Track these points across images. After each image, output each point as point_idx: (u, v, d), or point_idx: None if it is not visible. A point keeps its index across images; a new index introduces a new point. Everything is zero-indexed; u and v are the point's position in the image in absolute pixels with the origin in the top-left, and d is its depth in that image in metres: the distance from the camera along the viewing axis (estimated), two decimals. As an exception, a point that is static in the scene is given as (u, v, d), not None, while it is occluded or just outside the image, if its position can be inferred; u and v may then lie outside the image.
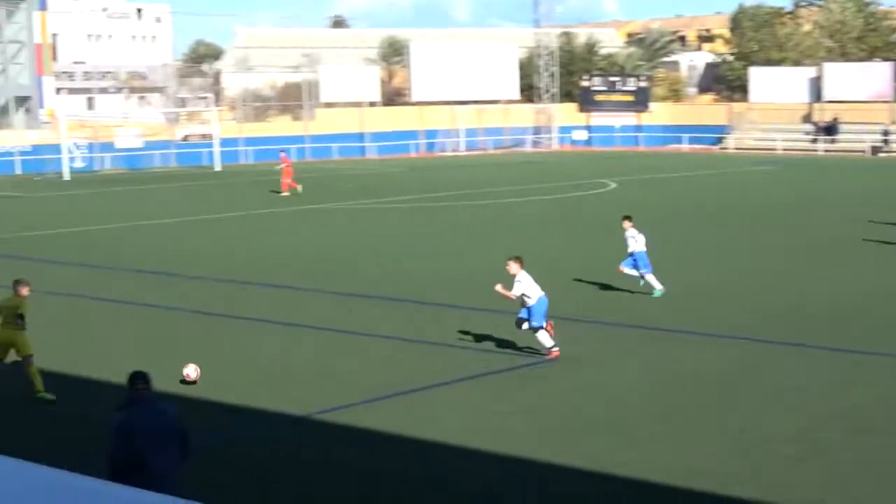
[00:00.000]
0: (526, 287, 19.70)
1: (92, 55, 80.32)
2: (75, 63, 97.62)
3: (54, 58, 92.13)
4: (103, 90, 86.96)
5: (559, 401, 17.41)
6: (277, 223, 41.19)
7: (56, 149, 66.58)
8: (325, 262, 31.38)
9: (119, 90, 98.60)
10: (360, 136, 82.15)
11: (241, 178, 62.67)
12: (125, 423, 10.72)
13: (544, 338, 19.73)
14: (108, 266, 31.20)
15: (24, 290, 18.03)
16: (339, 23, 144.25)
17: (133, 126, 76.22)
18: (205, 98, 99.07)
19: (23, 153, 68.94)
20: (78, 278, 29.37)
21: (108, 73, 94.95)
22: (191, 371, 18.24)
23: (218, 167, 69.25)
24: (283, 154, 55.52)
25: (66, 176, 63.53)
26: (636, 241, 25.22)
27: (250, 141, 77.42)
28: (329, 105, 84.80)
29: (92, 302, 25.89)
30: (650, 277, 25.30)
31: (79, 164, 68.18)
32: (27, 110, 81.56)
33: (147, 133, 74.80)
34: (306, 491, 13.89)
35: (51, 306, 24.00)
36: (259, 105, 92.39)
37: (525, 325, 19.88)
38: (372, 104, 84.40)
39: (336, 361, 20.10)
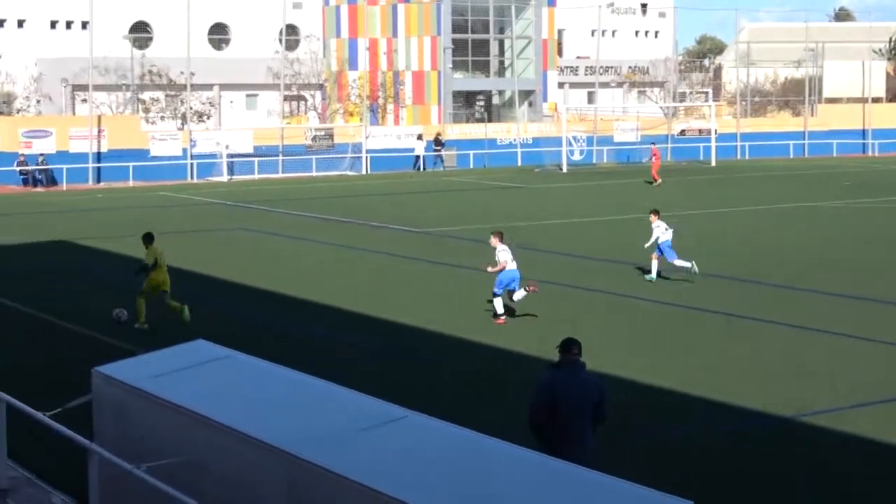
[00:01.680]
0: (501, 256, 22.70)
1: (595, 50, 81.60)
2: (578, 58, 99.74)
3: (559, 53, 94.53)
4: (604, 84, 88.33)
5: None
6: (767, 220, 40.44)
7: (556, 141, 68.32)
8: (811, 261, 30.55)
9: (619, 85, 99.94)
10: (863, 133, 79.24)
11: (735, 173, 61.95)
12: (549, 380, 11.68)
13: (498, 304, 22.68)
14: (588, 257, 31.68)
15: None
16: (843, 16, 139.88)
17: (630, 120, 77.00)
18: (704, 93, 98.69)
19: (524, 145, 71.23)
20: (562, 268, 30.02)
21: (611, 67, 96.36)
22: None
23: (713, 162, 68.79)
24: (653, 146, 59.05)
25: (564, 168, 65.08)
26: (664, 231, 27.12)
27: (747, 136, 76.41)
28: (831, 101, 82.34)
29: (581, 292, 26.37)
30: (654, 264, 27.18)
31: (577, 157, 69.66)
32: (530, 104, 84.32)
33: (644, 127, 75.39)
34: (786, 491, 13.52)
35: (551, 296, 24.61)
36: (758, 100, 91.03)
37: (517, 296, 22.76)
38: (876, 100, 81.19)
39: (823, 364, 19.49)
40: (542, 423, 11.57)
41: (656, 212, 27.91)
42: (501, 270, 22.72)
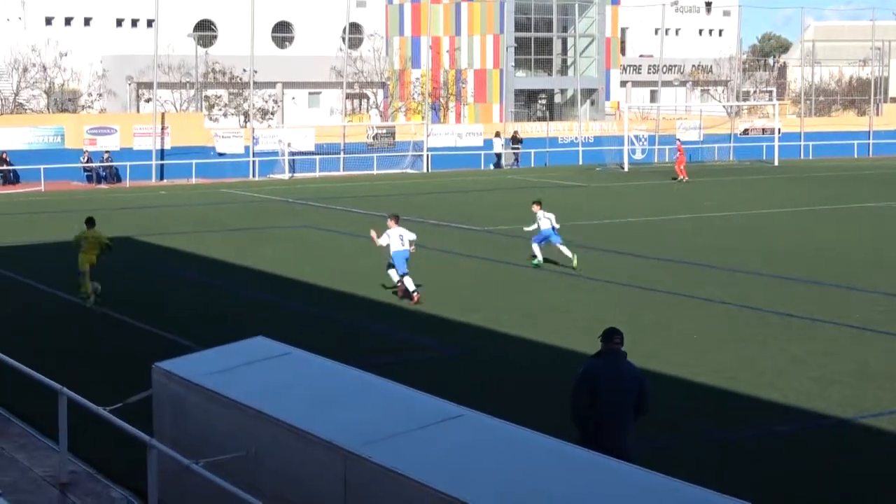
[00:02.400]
0: (389, 239, 25.36)
1: (658, 48, 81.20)
2: (641, 56, 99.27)
3: (622, 51, 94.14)
4: (667, 83, 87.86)
5: None
6: (828, 219, 40.07)
7: (617, 140, 68.06)
8: (869, 260, 30.24)
9: (683, 83, 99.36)
10: (929, 134, 78.36)
11: (798, 173, 61.43)
12: (590, 368, 11.71)
13: (408, 282, 25.15)
14: (654, 257, 31.53)
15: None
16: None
17: (693, 119, 76.54)
18: (768, 92, 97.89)
19: (585, 144, 71.02)
20: (619, 266, 29.90)
21: (674, 66, 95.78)
22: None
23: (776, 162, 68.25)
24: (679, 143, 60.90)
25: (626, 167, 64.81)
26: (546, 221, 29.51)
27: (811, 136, 75.73)
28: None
29: (638, 290, 26.27)
30: (536, 249, 29.80)
31: (638, 156, 69.39)
32: (592, 102, 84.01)
33: (707, 126, 74.92)
34: (847, 492, 13.37)
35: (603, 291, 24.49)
36: (823, 99, 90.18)
37: (393, 271, 25.45)
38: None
39: (884, 365, 19.28)
40: (582, 413, 11.60)
41: (538, 203, 30.16)
42: (385, 247, 25.57)
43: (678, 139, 64.07)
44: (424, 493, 9.13)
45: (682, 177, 57.09)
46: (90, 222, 25.19)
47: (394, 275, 25.48)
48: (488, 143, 68.11)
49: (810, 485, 13.76)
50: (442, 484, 9.10)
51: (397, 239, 25.45)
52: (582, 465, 9.53)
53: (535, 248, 29.79)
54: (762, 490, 12.80)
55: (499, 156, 67.80)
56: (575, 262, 29.08)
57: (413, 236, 25.82)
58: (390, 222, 25.86)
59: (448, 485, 9.08)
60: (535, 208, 29.92)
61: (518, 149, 68.83)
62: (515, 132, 69.47)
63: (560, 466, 9.48)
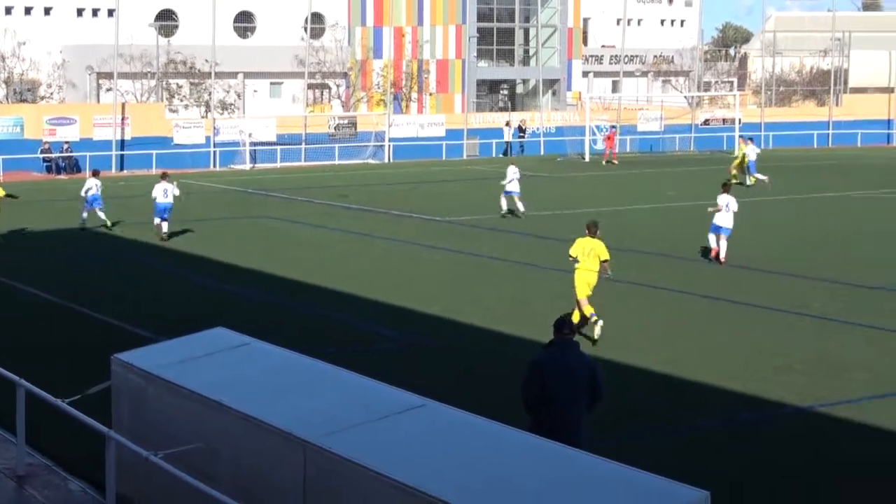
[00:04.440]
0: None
1: (620, 39, 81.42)
2: (603, 47, 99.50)
3: (584, 42, 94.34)
4: (629, 74, 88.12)
5: None
6: (789, 210, 40.32)
7: (579, 131, 68.16)
8: (831, 250, 30.43)
9: (644, 74, 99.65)
10: (888, 123, 78.83)
11: (758, 163, 61.59)
12: (540, 359, 11.89)
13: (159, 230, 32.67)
14: (614, 247, 31.61)
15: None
16: (870, 5, 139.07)
17: (654, 109, 76.76)
18: (729, 82, 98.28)
19: (547, 134, 71.11)
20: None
21: (636, 56, 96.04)
22: None
23: (736, 152, 68.38)
24: (612, 129, 65.66)
25: (587, 157, 64.93)
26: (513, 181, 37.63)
27: (772, 126, 76.06)
28: (857, 91, 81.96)
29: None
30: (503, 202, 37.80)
31: (600, 147, 69.47)
32: (554, 93, 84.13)
33: (668, 116, 75.14)
34: (807, 481, 13.47)
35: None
36: (783, 90, 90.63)
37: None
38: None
39: (843, 354, 19.42)
40: (533, 401, 11.76)
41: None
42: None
43: (613, 126, 67.45)
44: (383, 484, 9.14)
45: (609, 160, 61.91)
46: None
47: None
48: (451, 134, 68.08)
49: (769, 473, 13.85)
50: (401, 474, 9.11)
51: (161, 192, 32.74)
52: (536, 453, 9.56)
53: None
54: (720, 478, 12.86)
55: (508, 144, 68.63)
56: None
57: (177, 192, 33.32)
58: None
59: (407, 475, 9.09)
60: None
61: (523, 138, 69.68)
62: (522, 122, 70.39)
63: (519, 456, 9.50)
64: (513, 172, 37.96)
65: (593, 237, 20.76)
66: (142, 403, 12.28)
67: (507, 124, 69.30)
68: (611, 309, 23.09)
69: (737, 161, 51.10)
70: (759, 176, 48.51)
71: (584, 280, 20.49)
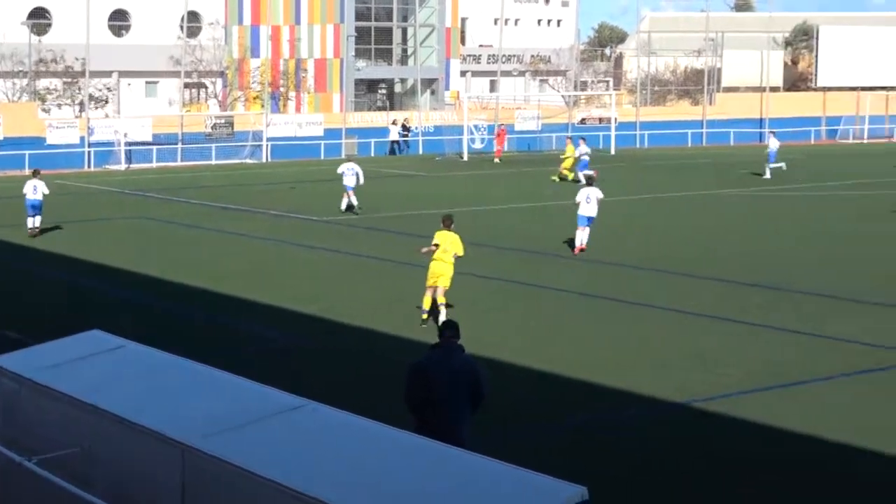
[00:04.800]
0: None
1: (498, 39, 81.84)
2: (481, 46, 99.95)
3: (462, 41, 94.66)
4: (506, 73, 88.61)
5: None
6: (662, 208, 40.89)
7: (457, 130, 68.40)
8: (705, 247, 30.94)
9: (521, 73, 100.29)
10: (760, 122, 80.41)
11: (633, 162, 62.51)
12: (419, 363, 12.13)
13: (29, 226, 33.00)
14: (494, 245, 31.79)
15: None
16: (742, 6, 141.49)
17: (532, 109, 77.31)
18: (605, 82, 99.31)
19: (426, 134, 71.27)
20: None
21: (513, 56, 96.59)
22: None
23: (613, 151, 69.34)
24: (501, 127, 67.53)
25: (465, 157, 65.18)
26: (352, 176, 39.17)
27: (647, 125, 77.10)
28: (729, 90, 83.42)
29: (474, 279, 26.48)
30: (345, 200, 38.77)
31: (478, 146, 69.82)
32: (432, 92, 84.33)
33: (546, 116, 75.74)
34: (683, 475, 13.68)
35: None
36: (658, 89, 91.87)
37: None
38: (773, 89, 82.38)
39: (717, 349, 19.75)
40: (416, 403, 11.98)
41: (349, 157, 37.07)
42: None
43: (502, 125, 69.13)
44: (263, 486, 9.08)
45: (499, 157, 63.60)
46: None
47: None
48: (330, 133, 67.89)
49: (647, 469, 14.05)
50: (280, 475, 9.06)
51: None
52: (417, 451, 9.58)
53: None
54: (600, 475, 13.00)
55: (395, 143, 69.18)
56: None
57: (47, 190, 33.36)
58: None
59: (286, 476, 9.04)
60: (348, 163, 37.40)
61: (407, 136, 70.03)
62: (405, 120, 70.80)
63: (399, 455, 9.51)
64: (348, 167, 39.37)
65: (448, 230, 21.56)
66: (15, 408, 12.05)
67: (394, 123, 69.73)
68: (490, 308, 23.23)
69: (568, 161, 52.23)
70: (587, 173, 50.16)
71: (436, 271, 21.30)
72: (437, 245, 21.41)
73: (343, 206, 39.21)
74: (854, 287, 25.13)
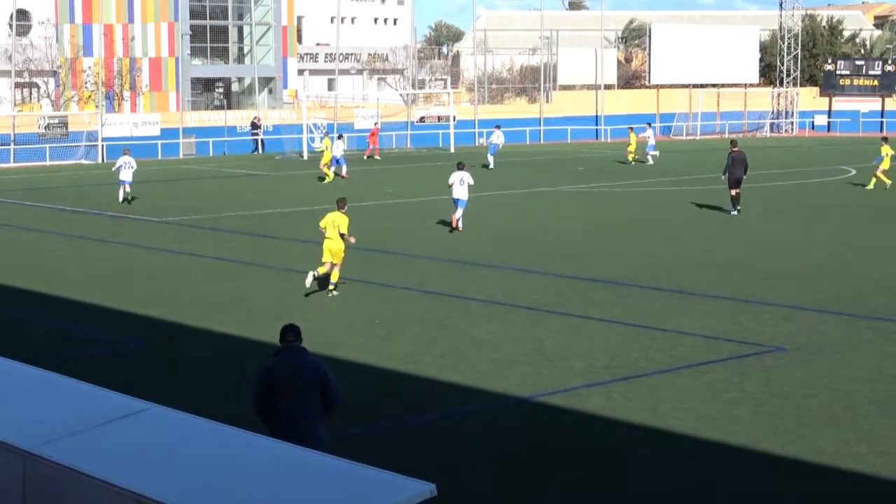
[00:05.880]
0: None
1: (335, 37, 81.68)
2: (318, 45, 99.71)
3: (299, 40, 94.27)
4: (344, 72, 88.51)
5: (787, 390, 16.90)
6: (502, 203, 41.26)
7: (297, 129, 68.09)
8: (547, 244, 31.31)
9: (360, 72, 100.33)
10: (596, 119, 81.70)
11: (473, 160, 62.91)
12: (266, 370, 11.99)
13: None
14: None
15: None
16: (575, 5, 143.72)
17: (371, 107, 77.35)
18: (443, 80, 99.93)
19: (265, 133, 70.78)
20: (299, 255, 29.99)
21: (351, 54, 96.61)
22: None
23: (452, 149, 69.76)
24: (376, 126, 68.43)
25: (305, 156, 64.91)
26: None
27: (485, 123, 77.72)
28: (565, 88, 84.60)
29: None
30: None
31: (317, 145, 69.50)
32: (270, 91, 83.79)
33: (385, 114, 75.84)
34: (530, 469, 13.81)
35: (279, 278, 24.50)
36: (496, 87, 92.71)
37: None
38: (608, 87, 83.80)
39: (559, 344, 19.99)
40: (264, 409, 11.86)
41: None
42: None
43: (376, 122, 70.26)
44: (106, 490, 8.92)
45: (373, 155, 64.56)
46: None
47: None
48: (167, 133, 67.01)
49: (495, 464, 14.13)
50: (124, 479, 8.91)
51: None
52: (263, 452, 9.51)
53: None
54: (448, 471, 13.07)
55: (256, 142, 69.94)
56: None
57: None
58: None
59: (130, 480, 8.90)
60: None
61: (257, 134, 69.87)
62: (256, 118, 70.79)
63: (244, 456, 9.43)
64: (125, 162, 41.95)
65: (339, 211, 24.08)
66: None
67: (258, 122, 70.42)
68: (332, 308, 23.19)
69: (327, 157, 52.98)
70: (343, 172, 51.60)
71: (327, 247, 23.80)
72: (336, 228, 23.77)
73: (120, 198, 41.73)
74: (693, 282, 25.65)
